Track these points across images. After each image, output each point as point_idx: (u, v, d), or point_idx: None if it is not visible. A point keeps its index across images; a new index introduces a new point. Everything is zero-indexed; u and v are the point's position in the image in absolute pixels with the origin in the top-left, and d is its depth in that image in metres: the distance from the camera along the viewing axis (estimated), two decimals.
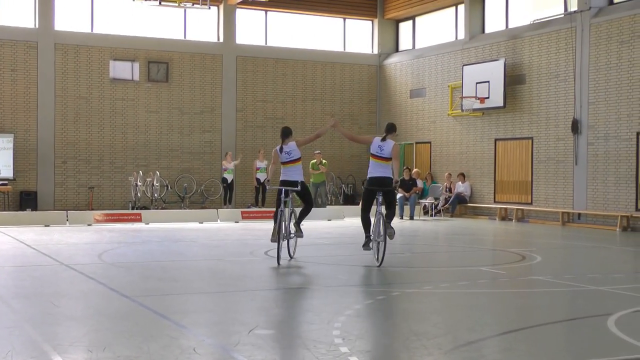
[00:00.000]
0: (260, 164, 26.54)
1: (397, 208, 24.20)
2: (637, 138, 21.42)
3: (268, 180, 14.33)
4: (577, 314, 9.42)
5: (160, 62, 28.32)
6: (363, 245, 13.42)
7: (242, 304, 9.58)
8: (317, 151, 27.09)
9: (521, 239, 19.35)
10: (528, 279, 12.23)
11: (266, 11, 30.32)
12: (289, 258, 13.91)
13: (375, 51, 31.98)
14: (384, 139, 13.34)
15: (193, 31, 29.18)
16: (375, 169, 13.20)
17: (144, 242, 17.57)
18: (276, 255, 13.25)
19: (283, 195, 13.47)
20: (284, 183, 13.76)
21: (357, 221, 15.69)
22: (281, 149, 14.07)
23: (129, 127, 27.93)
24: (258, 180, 26.44)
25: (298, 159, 14.06)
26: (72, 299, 9.93)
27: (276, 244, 13.30)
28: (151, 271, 12.72)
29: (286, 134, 14.32)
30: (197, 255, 15.40)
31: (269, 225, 22.17)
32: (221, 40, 29.37)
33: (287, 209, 13.47)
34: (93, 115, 27.50)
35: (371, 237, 13.24)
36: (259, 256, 14.79)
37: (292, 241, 14.09)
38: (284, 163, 14.05)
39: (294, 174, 13.89)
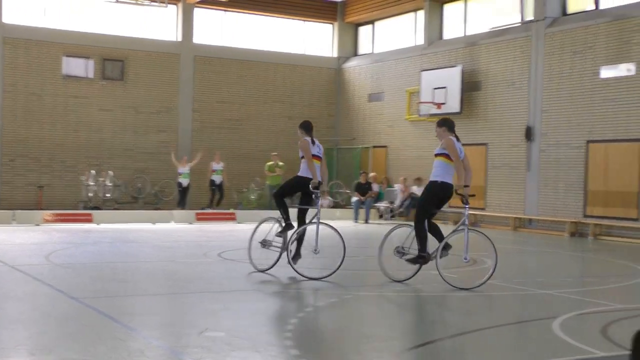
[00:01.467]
0: (217, 165, 26.45)
1: (352, 211, 24.36)
2: (587, 146, 21.78)
3: (320, 182, 12.50)
4: (524, 317, 9.58)
5: (115, 59, 28.09)
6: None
7: (193, 306, 9.58)
8: (274, 153, 27.08)
9: (473, 243, 19.53)
10: (479, 282, 12.37)
11: (225, 11, 30.27)
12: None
13: (335, 54, 32.10)
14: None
15: (150, 29, 29.01)
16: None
17: (94, 242, 17.36)
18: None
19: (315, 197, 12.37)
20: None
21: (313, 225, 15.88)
22: (313, 142, 13.00)
23: (82, 125, 27.65)
24: (213, 182, 26.35)
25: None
26: (17, 301, 9.80)
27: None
28: (101, 272, 12.61)
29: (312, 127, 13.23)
30: (149, 256, 15.32)
31: (222, 227, 22.20)
32: (179, 39, 29.25)
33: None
34: (44, 113, 27.14)
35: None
36: (212, 258, 14.77)
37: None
38: (315, 157, 12.87)
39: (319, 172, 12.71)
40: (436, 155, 11.62)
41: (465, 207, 11.47)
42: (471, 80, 25.57)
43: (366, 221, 25.48)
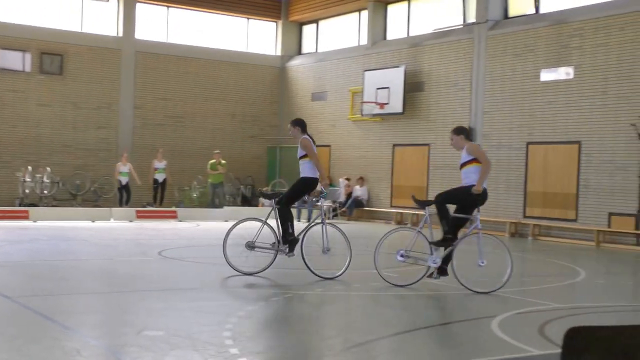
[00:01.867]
0: (159, 164, 26.21)
1: (295, 211, 24.36)
2: (527, 148, 22.12)
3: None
4: (464, 316, 9.68)
5: (54, 53, 27.64)
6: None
7: (132, 305, 9.47)
8: (217, 151, 26.95)
9: (418, 245, 19.66)
10: (420, 281, 12.46)
11: (168, 7, 30.01)
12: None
13: (279, 53, 32.06)
14: None
15: (91, 24, 28.62)
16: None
17: (31, 240, 17.05)
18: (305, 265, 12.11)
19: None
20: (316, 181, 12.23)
21: (254, 222, 15.91)
22: (314, 140, 12.59)
23: (19, 120, 27.15)
24: (156, 180, 26.10)
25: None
26: None
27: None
28: (37, 271, 12.38)
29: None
30: (87, 254, 15.10)
31: (163, 225, 22.01)
32: (120, 34, 28.91)
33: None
34: None
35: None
36: (152, 256, 14.63)
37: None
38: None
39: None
40: (466, 163, 11.69)
41: (478, 211, 11.60)
42: (414, 81, 25.77)
43: (308, 220, 25.45)
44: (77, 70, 28.05)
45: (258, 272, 12.12)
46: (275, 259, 12.34)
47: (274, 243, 12.32)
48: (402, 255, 11.75)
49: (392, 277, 11.93)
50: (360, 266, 14.78)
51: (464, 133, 11.98)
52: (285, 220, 12.31)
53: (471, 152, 11.61)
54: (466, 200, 11.64)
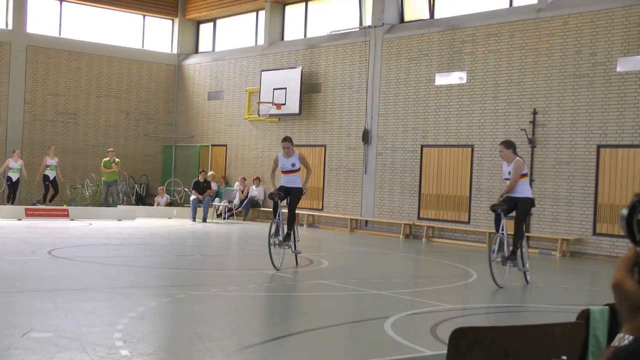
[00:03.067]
0: (51, 161, 25.51)
1: (190, 210, 24.10)
2: (422, 151, 22.50)
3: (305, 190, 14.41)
4: (358, 317, 9.75)
5: None
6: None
7: (19, 306, 9.16)
8: (110, 149, 26.45)
9: (311, 243, 19.78)
10: (314, 282, 12.52)
11: (61, 1, 29.24)
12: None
13: (175, 51, 31.67)
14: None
15: None
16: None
17: None
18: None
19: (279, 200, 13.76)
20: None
21: (149, 221, 15.59)
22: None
23: None
24: (47, 177, 25.41)
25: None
26: None
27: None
28: None
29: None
30: None
31: (54, 224, 21.44)
32: (10, 27, 28.00)
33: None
34: None
35: None
36: (41, 255, 14.21)
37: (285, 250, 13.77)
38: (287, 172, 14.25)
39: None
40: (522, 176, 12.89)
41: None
42: (311, 82, 25.86)
43: (204, 220, 25.26)
44: None
45: None
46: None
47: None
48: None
49: (288, 278, 11.90)
50: (254, 266, 14.74)
51: (513, 147, 13.02)
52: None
53: (516, 168, 12.76)
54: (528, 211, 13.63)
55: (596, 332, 3.14)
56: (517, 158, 12.86)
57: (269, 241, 13.33)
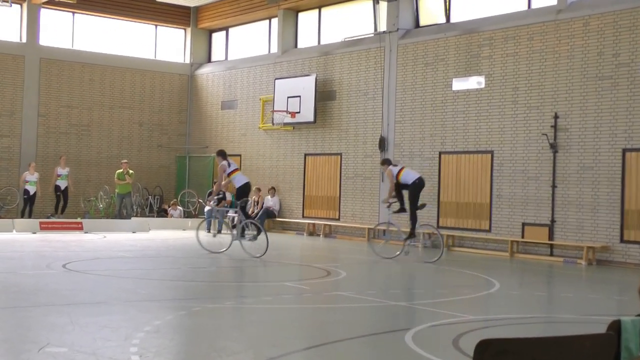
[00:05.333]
0: (62, 170, 25.65)
1: (204, 222, 24.12)
2: (440, 158, 22.38)
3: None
4: (377, 329, 9.66)
5: None
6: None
7: (35, 320, 9.14)
8: (124, 161, 26.55)
9: (327, 254, 19.73)
10: (332, 294, 12.45)
11: (73, 13, 29.38)
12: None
13: (187, 60, 31.74)
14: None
15: None
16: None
17: None
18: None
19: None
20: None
21: (163, 233, 15.67)
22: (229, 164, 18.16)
23: None
24: (58, 187, 25.53)
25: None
26: None
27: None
28: None
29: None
30: None
31: (69, 237, 21.48)
32: (24, 40, 28.17)
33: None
34: None
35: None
36: (56, 269, 14.22)
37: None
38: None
39: None
40: None
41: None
42: (325, 90, 25.84)
43: (218, 231, 25.15)
44: None
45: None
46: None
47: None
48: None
49: (305, 290, 11.84)
50: (271, 278, 14.70)
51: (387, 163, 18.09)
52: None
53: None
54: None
55: (628, 344, 3.06)
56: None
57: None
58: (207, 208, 25.48)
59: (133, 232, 23.89)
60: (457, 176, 22.00)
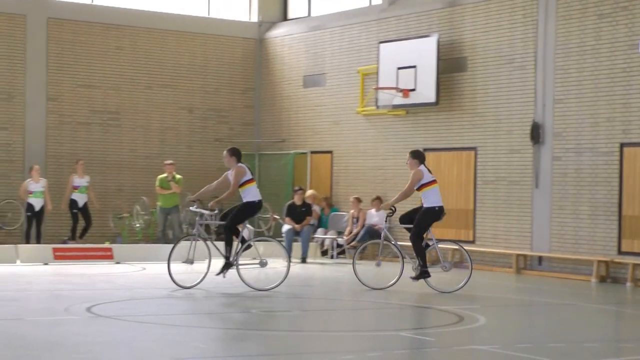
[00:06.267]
0: (80, 180, 26.14)
1: (284, 246, 24.36)
2: (621, 152, 22.07)
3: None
4: None
5: None
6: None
7: None
8: (168, 162, 26.75)
9: (459, 292, 19.68)
10: (467, 348, 12.42)
11: None
12: None
13: (255, 19, 32.03)
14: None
15: None
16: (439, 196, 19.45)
17: None
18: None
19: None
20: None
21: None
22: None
23: None
24: (75, 203, 25.99)
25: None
26: None
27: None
28: None
29: None
30: None
31: (94, 269, 21.91)
32: None
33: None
34: None
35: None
36: (78, 314, 14.53)
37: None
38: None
39: None
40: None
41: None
42: (452, 57, 25.75)
43: (303, 259, 25.34)
44: None
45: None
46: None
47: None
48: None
49: (429, 342, 11.89)
50: (380, 325, 14.74)
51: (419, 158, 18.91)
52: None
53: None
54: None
55: None
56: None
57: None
58: (285, 227, 25.67)
59: (184, 262, 24.19)
60: None
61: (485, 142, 25.03)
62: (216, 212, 20.06)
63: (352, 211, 27.47)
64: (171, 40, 30.64)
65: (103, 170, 28.59)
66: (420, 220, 18.82)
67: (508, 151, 24.49)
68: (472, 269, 19.60)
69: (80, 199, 26.12)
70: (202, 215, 19.24)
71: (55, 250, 24.07)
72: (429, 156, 26.22)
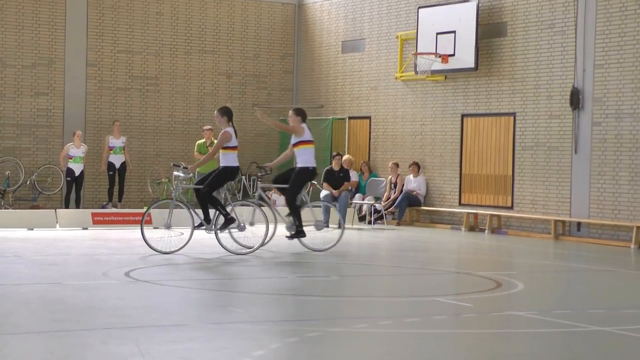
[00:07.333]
0: (115, 141, 26.27)
1: (322, 212, 24.36)
2: None
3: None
4: None
5: None
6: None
7: (89, 349, 9.42)
8: (207, 127, 26.79)
9: (497, 257, 19.63)
10: (504, 314, 12.39)
11: None
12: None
13: None
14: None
15: None
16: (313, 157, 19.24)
17: None
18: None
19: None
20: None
21: (262, 227, 16.11)
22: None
23: None
24: (112, 165, 26.16)
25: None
26: None
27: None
28: None
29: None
30: (23, 277, 15.05)
31: (132, 234, 22.01)
32: None
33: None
34: None
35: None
36: (117, 279, 14.61)
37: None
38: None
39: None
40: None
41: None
42: (492, 22, 25.61)
43: (340, 225, 25.31)
44: (2, 14, 28.05)
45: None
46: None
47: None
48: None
49: (466, 308, 11.84)
50: (417, 291, 14.73)
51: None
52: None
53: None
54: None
55: None
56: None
57: None
58: (323, 192, 25.65)
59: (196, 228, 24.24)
60: None
61: (524, 108, 24.91)
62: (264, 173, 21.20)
63: (390, 177, 27.46)
64: (211, 6, 30.66)
65: (142, 136, 28.71)
66: (295, 180, 19.10)
67: (547, 117, 24.35)
68: (343, 229, 20.05)
69: (117, 160, 26.25)
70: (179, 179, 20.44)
71: (94, 215, 24.22)
72: (468, 121, 26.21)
